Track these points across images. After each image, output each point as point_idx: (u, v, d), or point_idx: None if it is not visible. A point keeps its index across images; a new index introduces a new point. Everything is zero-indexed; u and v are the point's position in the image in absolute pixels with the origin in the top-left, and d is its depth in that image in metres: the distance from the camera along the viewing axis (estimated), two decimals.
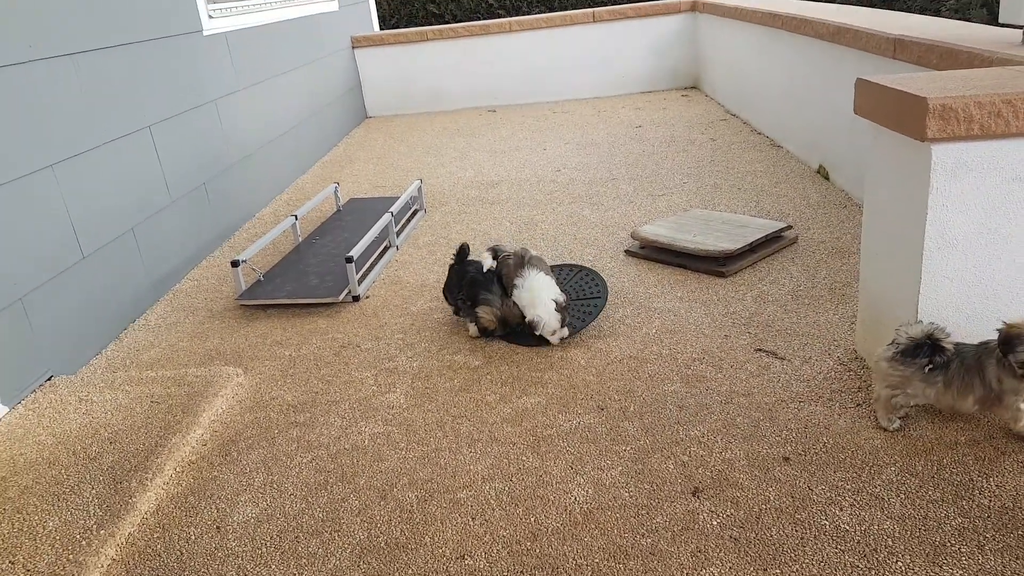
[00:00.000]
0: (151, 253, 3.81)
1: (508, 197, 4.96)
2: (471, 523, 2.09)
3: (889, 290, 2.46)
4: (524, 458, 2.34)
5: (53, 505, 2.26)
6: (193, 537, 2.16)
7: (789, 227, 3.75)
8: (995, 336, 2.08)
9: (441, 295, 3.44)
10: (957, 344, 2.15)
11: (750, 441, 2.31)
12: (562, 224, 4.35)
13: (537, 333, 2.94)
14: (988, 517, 1.93)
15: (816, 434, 2.31)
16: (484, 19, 10.47)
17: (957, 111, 2.04)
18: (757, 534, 1.95)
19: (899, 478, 2.09)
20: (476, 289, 3.09)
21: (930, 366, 2.15)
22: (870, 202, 2.53)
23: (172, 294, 3.91)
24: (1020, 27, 3.09)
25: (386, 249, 4.16)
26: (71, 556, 2.05)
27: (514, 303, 3.03)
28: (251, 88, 5.23)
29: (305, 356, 3.12)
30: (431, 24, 10.99)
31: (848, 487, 2.08)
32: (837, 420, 2.36)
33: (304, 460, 2.45)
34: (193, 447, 2.56)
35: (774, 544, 1.91)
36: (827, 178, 4.67)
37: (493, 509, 2.14)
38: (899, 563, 1.81)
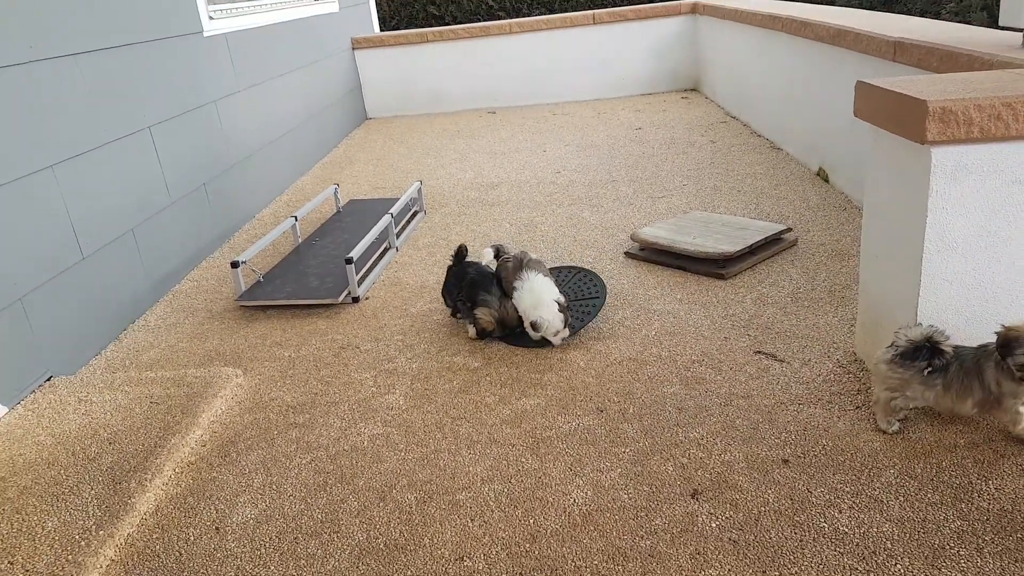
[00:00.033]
0: (151, 254, 3.81)
1: (508, 199, 4.97)
2: (470, 524, 2.09)
3: (889, 293, 2.46)
4: (523, 460, 2.34)
5: (52, 505, 2.26)
6: (192, 538, 2.16)
7: (789, 229, 3.75)
8: (994, 339, 2.08)
9: (440, 297, 3.45)
10: (956, 347, 2.15)
11: (749, 443, 2.31)
12: (562, 226, 4.35)
13: (540, 334, 2.94)
14: (987, 520, 1.93)
15: (815, 436, 2.31)
16: (484, 21, 10.48)
17: (957, 114, 2.04)
18: (756, 536, 1.95)
19: (898, 481, 2.09)
20: (475, 290, 3.09)
21: (929, 369, 2.15)
22: (870, 205, 2.54)
23: (172, 295, 3.91)
24: (1020, 30, 3.09)
25: (386, 250, 4.16)
26: (70, 556, 2.05)
27: (512, 305, 3.03)
28: (251, 89, 5.23)
29: (304, 357, 3.12)
30: (431, 26, 10.99)
31: (847, 489, 2.08)
32: (836, 422, 2.36)
33: (303, 461, 2.45)
34: (192, 448, 2.56)
35: (773, 546, 1.91)
36: (827, 180, 4.68)
37: (492, 511, 2.14)
38: (898, 565, 1.81)
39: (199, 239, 4.32)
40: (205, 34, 4.62)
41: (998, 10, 3.10)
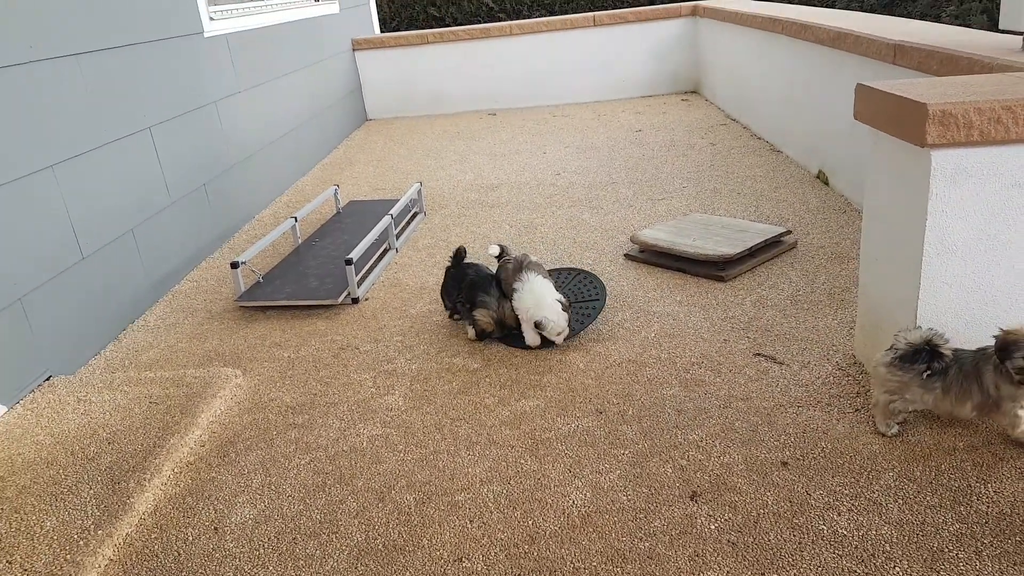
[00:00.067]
0: (151, 254, 3.81)
1: (508, 200, 4.97)
2: (469, 526, 2.09)
3: (888, 295, 2.46)
4: (522, 461, 2.34)
5: (51, 505, 2.26)
6: (191, 538, 2.15)
7: (788, 232, 3.75)
8: (993, 342, 2.08)
9: (440, 298, 3.45)
10: (955, 350, 2.15)
11: (748, 445, 2.31)
12: (561, 228, 4.36)
13: (542, 334, 2.93)
14: (986, 523, 1.93)
15: (814, 439, 2.31)
16: (484, 22, 10.49)
17: (957, 117, 2.04)
18: (755, 538, 1.95)
19: (897, 483, 2.09)
20: (474, 292, 3.10)
21: (928, 372, 2.15)
22: (869, 207, 2.54)
23: (171, 295, 3.91)
24: (1020, 33, 3.10)
25: (385, 251, 4.16)
26: (68, 556, 2.05)
27: (510, 305, 3.03)
28: (252, 90, 5.23)
29: (304, 358, 3.12)
30: (432, 27, 11.00)
31: (846, 492, 2.08)
32: (835, 425, 2.36)
33: (302, 462, 2.45)
34: (191, 448, 2.56)
35: (772, 549, 1.91)
36: (826, 183, 4.68)
37: (491, 512, 2.14)
38: (897, 568, 1.81)
39: (199, 239, 4.33)
40: (206, 35, 4.63)
41: (998, 13, 3.11)
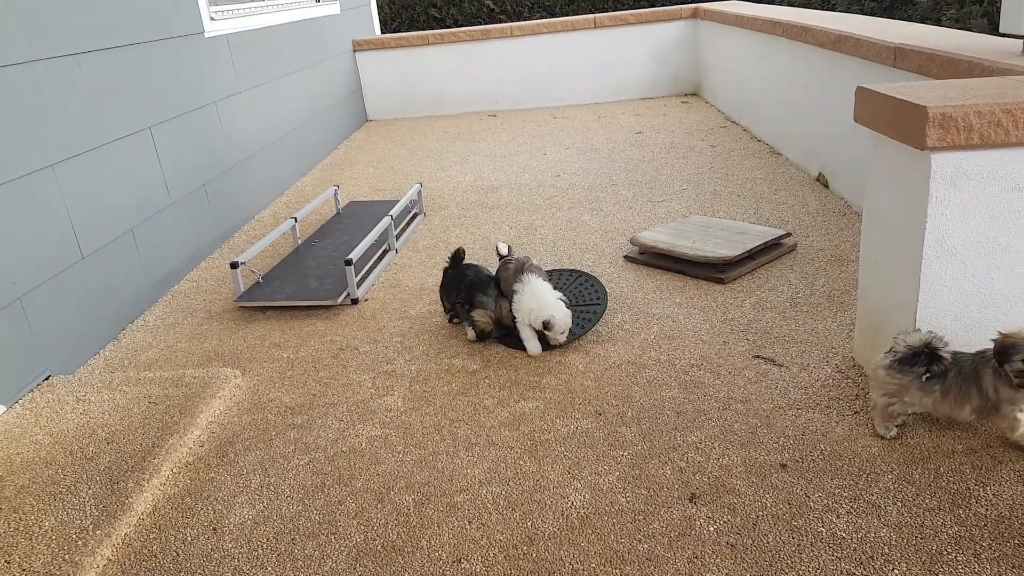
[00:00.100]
0: (150, 254, 3.81)
1: (508, 202, 4.97)
2: (468, 527, 2.09)
3: (888, 298, 2.46)
4: (521, 462, 2.34)
5: (49, 505, 2.26)
6: (189, 538, 2.15)
7: (788, 234, 3.76)
8: (992, 345, 2.08)
9: (439, 299, 3.45)
10: (955, 353, 2.16)
11: (747, 448, 2.31)
12: (561, 229, 4.36)
13: (549, 334, 2.92)
14: (985, 526, 1.93)
15: (813, 441, 2.31)
16: (485, 24, 10.50)
17: (957, 120, 2.05)
18: (754, 541, 1.95)
19: (896, 486, 2.09)
20: (473, 292, 3.10)
21: (927, 375, 2.15)
22: (869, 210, 2.54)
23: (171, 295, 3.91)
24: (1020, 37, 3.10)
25: (385, 252, 4.16)
26: (67, 556, 2.05)
27: (509, 305, 3.03)
28: (252, 90, 5.23)
29: (303, 358, 3.12)
30: (432, 28, 11.02)
31: (845, 494, 2.08)
32: (834, 427, 2.37)
33: (301, 462, 2.45)
34: (190, 448, 2.56)
35: (771, 551, 1.91)
36: (826, 186, 4.68)
37: (490, 513, 2.14)
38: (895, 571, 1.81)
39: (199, 240, 4.33)
40: (206, 35, 4.63)
41: (999, 17, 3.11)
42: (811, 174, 4.94)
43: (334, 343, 3.23)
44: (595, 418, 2.53)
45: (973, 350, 2.17)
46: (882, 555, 1.86)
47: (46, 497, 2.29)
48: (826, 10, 8.94)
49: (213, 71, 4.69)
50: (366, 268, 3.90)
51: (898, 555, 1.86)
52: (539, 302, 2.92)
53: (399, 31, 11.02)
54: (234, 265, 3.64)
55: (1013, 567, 1.80)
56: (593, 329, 3.11)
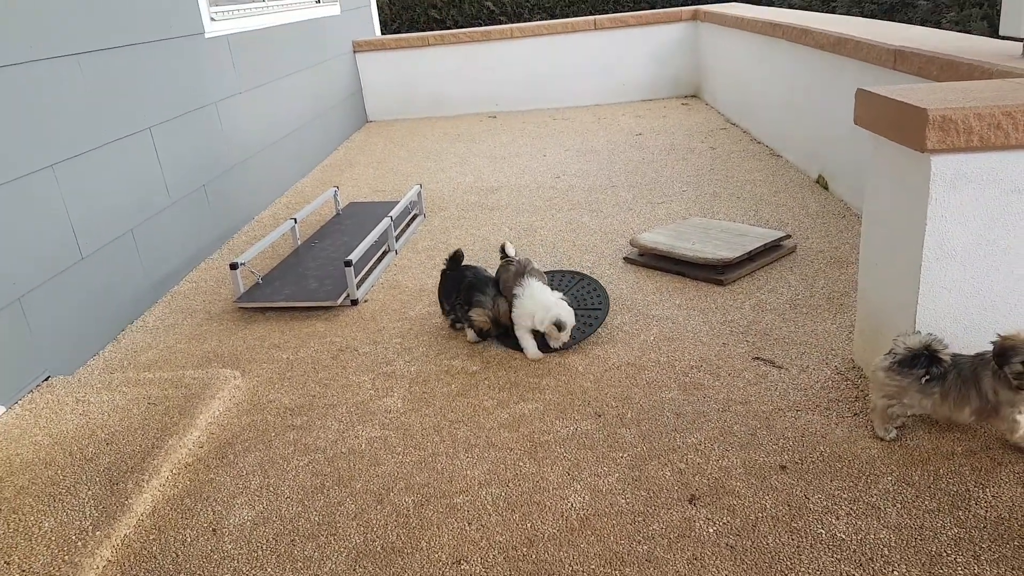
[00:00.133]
0: (150, 254, 3.81)
1: (508, 203, 4.97)
2: (467, 528, 2.09)
3: (887, 300, 2.46)
4: (521, 464, 2.34)
5: (49, 506, 2.25)
6: (189, 539, 2.15)
7: (788, 236, 3.76)
8: (991, 347, 2.09)
9: (438, 301, 3.45)
10: (954, 355, 2.16)
11: (747, 449, 2.31)
12: (561, 231, 4.36)
13: (558, 335, 2.91)
14: (984, 528, 1.93)
15: (813, 443, 2.31)
16: (485, 25, 10.50)
17: (957, 122, 2.05)
18: (753, 542, 1.95)
19: (895, 488, 2.09)
20: (472, 293, 3.10)
21: (927, 377, 2.15)
22: (869, 212, 2.54)
23: (171, 296, 3.91)
24: (1020, 40, 3.10)
25: (385, 253, 4.16)
26: (66, 557, 2.05)
27: (507, 304, 3.02)
28: (252, 91, 5.23)
29: (303, 359, 3.12)
30: (433, 29, 11.02)
31: (844, 496, 2.08)
32: (834, 429, 2.37)
33: (301, 463, 2.45)
34: (190, 449, 2.56)
35: (770, 552, 1.91)
36: (826, 188, 4.68)
37: (490, 514, 2.14)
38: (895, 572, 1.82)
39: (198, 240, 4.33)
40: (206, 35, 4.63)
41: (998, 19, 3.11)
42: (811, 176, 4.94)
43: (334, 344, 3.23)
44: (595, 419, 2.53)
45: (972, 352, 2.18)
46: (881, 556, 1.86)
47: (45, 498, 2.29)
48: (826, 12, 8.94)
49: (213, 72, 4.69)
50: (366, 269, 3.90)
51: (897, 557, 1.86)
52: (544, 304, 2.91)
53: (399, 32, 11.02)
54: (234, 266, 3.64)
55: (1013, 569, 1.80)
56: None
